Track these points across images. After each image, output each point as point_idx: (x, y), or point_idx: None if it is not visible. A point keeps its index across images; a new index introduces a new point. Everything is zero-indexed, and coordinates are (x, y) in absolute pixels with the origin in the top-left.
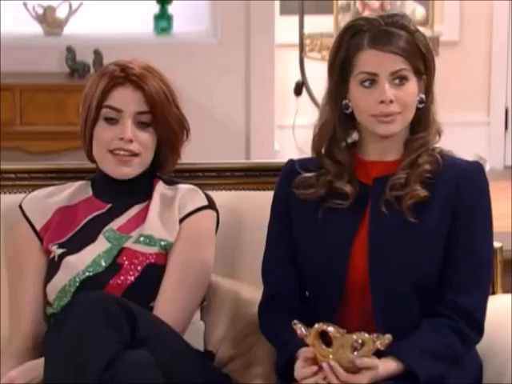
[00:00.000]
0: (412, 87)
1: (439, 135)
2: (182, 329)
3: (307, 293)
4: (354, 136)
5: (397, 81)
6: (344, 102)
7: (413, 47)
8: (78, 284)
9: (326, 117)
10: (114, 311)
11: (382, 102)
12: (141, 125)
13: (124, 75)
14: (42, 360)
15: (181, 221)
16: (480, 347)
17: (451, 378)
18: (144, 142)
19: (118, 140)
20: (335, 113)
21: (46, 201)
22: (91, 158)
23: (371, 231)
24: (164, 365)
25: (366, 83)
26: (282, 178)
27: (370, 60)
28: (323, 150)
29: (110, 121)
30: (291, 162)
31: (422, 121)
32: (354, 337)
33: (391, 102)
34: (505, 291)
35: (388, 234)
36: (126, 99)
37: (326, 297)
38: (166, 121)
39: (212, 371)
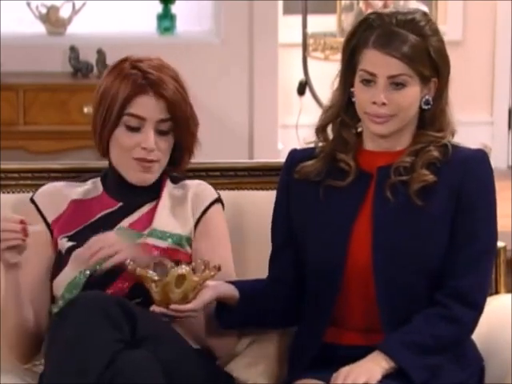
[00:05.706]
0: (411, 92)
1: (452, 135)
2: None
3: (307, 283)
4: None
5: (394, 85)
6: (352, 89)
7: (419, 52)
8: (89, 274)
9: (335, 101)
10: (114, 311)
11: (374, 102)
12: (161, 132)
13: (146, 82)
14: None
15: (199, 217)
16: (481, 347)
17: (452, 374)
18: (163, 148)
19: (140, 148)
20: (343, 98)
21: (61, 193)
22: (105, 156)
23: (375, 215)
24: (165, 364)
25: (365, 81)
26: (283, 166)
27: (370, 60)
28: (332, 133)
29: (132, 128)
30: (294, 151)
31: (435, 122)
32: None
33: (384, 104)
34: (508, 291)
35: (393, 217)
36: (149, 108)
37: (325, 284)
38: (185, 125)
39: (214, 370)
